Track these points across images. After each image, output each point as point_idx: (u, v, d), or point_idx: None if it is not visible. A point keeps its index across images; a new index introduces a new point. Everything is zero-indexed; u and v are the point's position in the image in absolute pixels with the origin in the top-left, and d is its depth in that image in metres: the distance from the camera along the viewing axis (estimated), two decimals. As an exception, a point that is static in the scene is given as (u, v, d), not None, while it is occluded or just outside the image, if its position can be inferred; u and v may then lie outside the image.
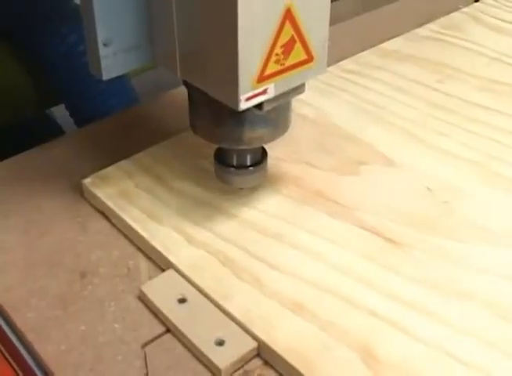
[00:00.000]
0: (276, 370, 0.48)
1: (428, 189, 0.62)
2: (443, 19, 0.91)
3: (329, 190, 0.61)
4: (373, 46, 0.85)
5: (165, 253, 0.55)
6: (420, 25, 0.90)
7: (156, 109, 0.76)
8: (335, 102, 0.74)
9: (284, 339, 0.48)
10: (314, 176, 0.63)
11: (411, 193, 0.61)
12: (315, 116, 0.72)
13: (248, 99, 0.48)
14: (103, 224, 0.60)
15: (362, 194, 0.61)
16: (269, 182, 0.62)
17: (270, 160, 0.62)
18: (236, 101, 0.48)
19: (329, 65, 0.79)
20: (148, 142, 0.67)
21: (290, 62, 0.50)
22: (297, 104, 0.71)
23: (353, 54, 0.83)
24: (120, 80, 1.13)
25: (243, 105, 0.48)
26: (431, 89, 0.76)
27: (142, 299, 0.53)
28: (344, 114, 0.72)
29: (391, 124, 0.70)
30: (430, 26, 0.90)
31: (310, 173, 0.63)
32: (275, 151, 0.65)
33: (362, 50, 0.84)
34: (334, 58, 0.81)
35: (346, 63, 0.81)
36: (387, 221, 0.58)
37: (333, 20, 0.95)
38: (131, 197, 0.60)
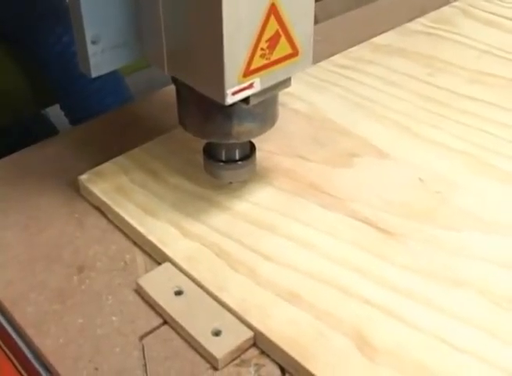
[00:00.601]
0: (273, 359, 0.48)
1: (420, 180, 0.62)
2: (433, 14, 0.92)
3: (323, 182, 0.61)
4: (365, 41, 0.85)
5: (161, 246, 0.55)
6: (411, 19, 0.90)
7: (149, 106, 0.76)
8: (328, 96, 0.74)
9: (280, 328, 0.48)
10: (307, 169, 0.63)
11: (404, 185, 0.61)
12: (307, 110, 0.72)
13: (235, 93, 0.49)
14: (100, 219, 0.60)
15: (355, 186, 0.61)
16: (263, 175, 0.62)
17: (263, 153, 0.63)
18: (223, 95, 0.48)
19: (321, 60, 0.81)
20: (142, 139, 0.67)
21: (275, 56, 0.50)
22: (290, 99, 0.72)
23: (345, 49, 0.83)
24: (114, 79, 1.14)
25: (230, 99, 0.49)
26: (423, 82, 0.77)
27: (139, 292, 0.53)
28: (336, 108, 0.72)
29: (383, 117, 0.71)
30: (421, 20, 0.90)
31: (303, 166, 0.64)
32: (269, 145, 0.65)
33: (354, 45, 0.84)
34: (326, 53, 0.82)
35: (338, 58, 0.81)
36: (380, 212, 0.58)
37: (327, 16, 0.95)
38: (126, 192, 0.61)
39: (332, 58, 0.81)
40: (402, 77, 0.78)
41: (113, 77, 1.11)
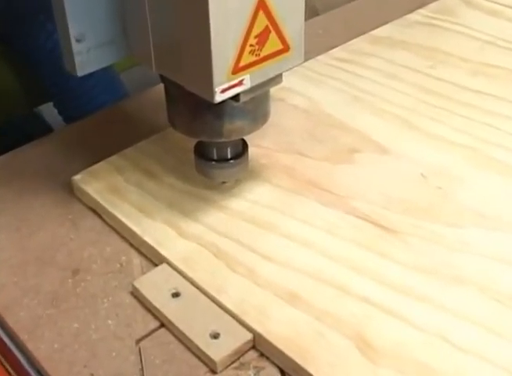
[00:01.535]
0: (272, 362, 0.48)
1: (422, 175, 0.62)
2: (434, 4, 0.92)
3: (322, 179, 0.62)
4: (365, 33, 0.85)
5: (157, 247, 0.55)
6: (411, 11, 0.90)
7: (144, 104, 0.76)
8: (326, 91, 0.74)
9: (279, 330, 0.49)
10: (306, 166, 0.63)
11: (405, 180, 0.62)
12: (306, 105, 0.72)
13: (224, 90, 0.49)
14: (94, 221, 0.61)
15: (355, 183, 0.61)
16: (260, 172, 0.62)
17: (261, 150, 0.63)
18: (212, 93, 0.48)
19: (319, 53, 0.81)
20: (137, 137, 0.67)
21: (265, 52, 0.50)
22: (288, 94, 0.72)
23: (344, 42, 0.83)
24: (109, 76, 1.14)
25: (219, 97, 0.49)
26: (423, 75, 0.77)
27: (136, 295, 0.53)
28: (335, 103, 0.72)
29: (383, 111, 0.71)
30: (422, 11, 0.90)
31: (302, 163, 0.64)
32: (266, 141, 0.65)
33: (353, 38, 0.84)
34: (325, 46, 0.82)
35: (337, 51, 0.81)
36: (381, 209, 0.58)
37: (327, 8, 0.95)
38: (121, 192, 0.61)
39: (331, 51, 0.81)
40: (402, 69, 0.78)
41: (107, 75, 1.12)
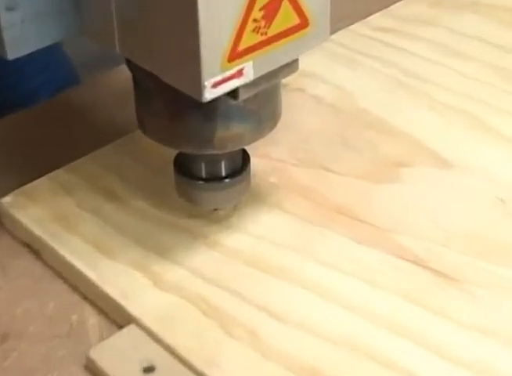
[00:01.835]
0: None
1: (500, 200, 0.64)
2: None
3: (355, 205, 0.64)
4: (418, -9, 0.87)
5: (122, 301, 0.57)
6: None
7: (103, 92, 0.78)
8: (362, 76, 0.77)
9: (294, 420, 0.51)
10: (333, 185, 0.65)
11: (473, 207, 0.64)
12: (334, 97, 0.74)
13: (216, 84, 0.50)
14: (31, 262, 0.62)
15: (402, 210, 0.64)
16: (269, 195, 0.64)
17: (271, 163, 0.65)
18: (199, 88, 0.49)
19: (353, 21, 0.82)
20: (92, 142, 0.69)
21: (274, 30, 0.51)
22: (309, 81, 0.74)
23: (387, 4, 0.85)
24: (48, 49, 1.14)
25: (209, 94, 0.50)
26: (504, 51, 0.79)
27: (91, 369, 0.55)
28: (375, 93, 0.74)
29: (443, 105, 0.73)
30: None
31: (327, 181, 0.66)
32: (279, 151, 0.68)
33: (401, -2, 0.86)
34: (361, 11, 0.84)
35: (378, 18, 0.84)
36: (438, 246, 0.61)
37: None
38: (70, 221, 0.63)
39: (369, 18, 0.83)
40: (472, 43, 0.80)
41: (44, 49, 1.11)
